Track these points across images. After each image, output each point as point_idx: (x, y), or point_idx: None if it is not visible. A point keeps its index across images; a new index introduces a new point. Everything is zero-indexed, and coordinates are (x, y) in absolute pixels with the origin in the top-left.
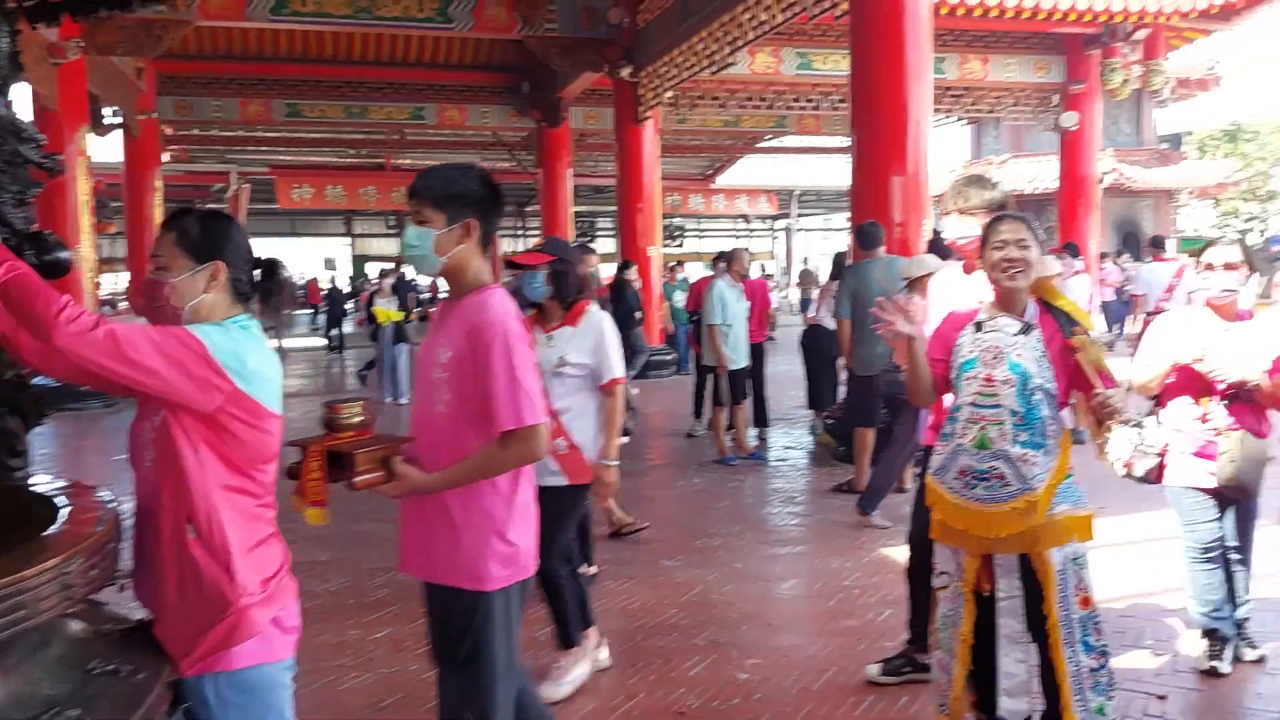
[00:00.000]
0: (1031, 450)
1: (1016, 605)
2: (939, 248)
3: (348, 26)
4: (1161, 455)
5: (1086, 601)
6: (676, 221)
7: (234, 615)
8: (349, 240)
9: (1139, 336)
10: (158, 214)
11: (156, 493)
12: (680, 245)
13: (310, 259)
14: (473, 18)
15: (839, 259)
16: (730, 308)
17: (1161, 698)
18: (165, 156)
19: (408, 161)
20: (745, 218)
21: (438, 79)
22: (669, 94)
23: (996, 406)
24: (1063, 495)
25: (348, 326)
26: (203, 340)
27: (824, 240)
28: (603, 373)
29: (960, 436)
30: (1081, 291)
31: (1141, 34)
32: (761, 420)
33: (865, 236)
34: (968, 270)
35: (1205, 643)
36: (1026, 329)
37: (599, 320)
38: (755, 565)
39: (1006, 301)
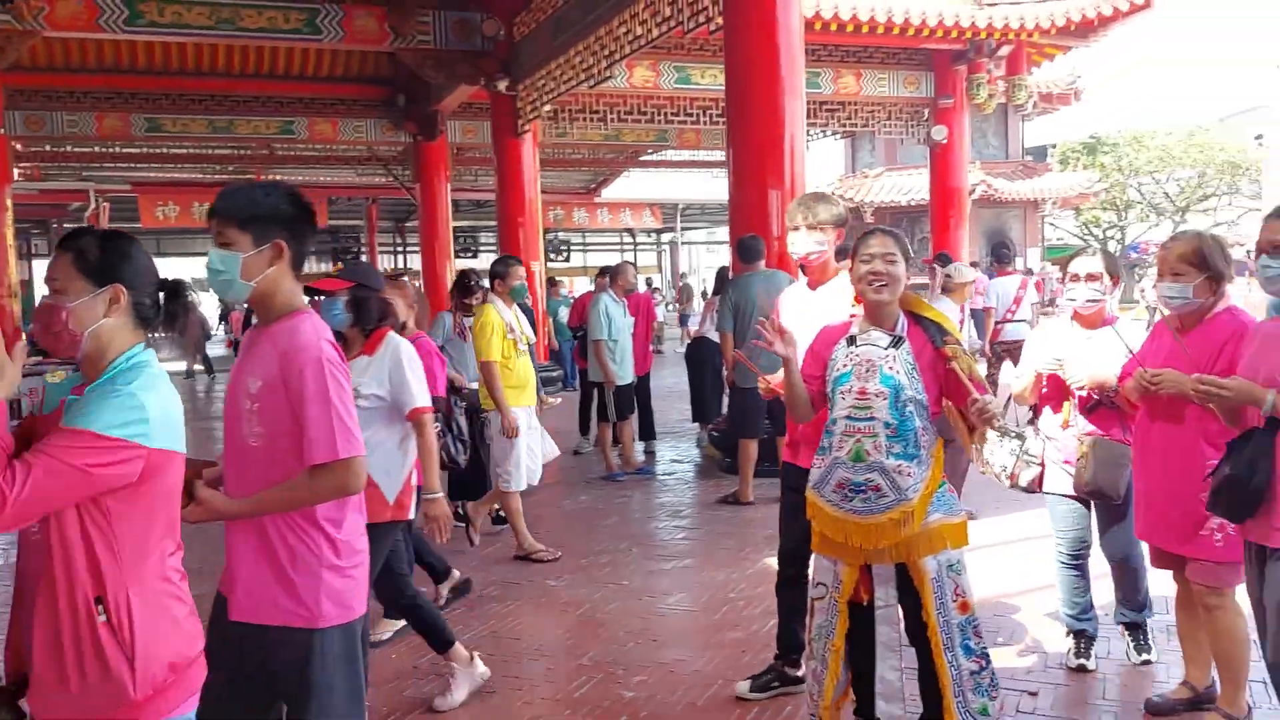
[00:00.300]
0: (905, 461)
1: (892, 614)
2: (751, 252)
3: (209, 38)
4: (1043, 464)
5: (965, 606)
6: (561, 236)
7: (127, 712)
8: None
9: (990, 347)
10: (9, 235)
11: (55, 563)
12: (566, 260)
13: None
14: (342, 29)
15: (722, 273)
16: (615, 323)
17: (1033, 694)
18: (16, 174)
19: (278, 177)
20: (630, 232)
21: (307, 92)
22: (547, 107)
23: (870, 419)
24: (937, 504)
25: (218, 349)
26: (100, 432)
27: (710, 253)
28: (403, 402)
29: (837, 450)
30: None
31: (1005, 50)
32: (648, 434)
33: (746, 250)
34: (813, 285)
35: (1072, 641)
36: (897, 341)
37: (396, 347)
38: (641, 581)
39: (876, 315)
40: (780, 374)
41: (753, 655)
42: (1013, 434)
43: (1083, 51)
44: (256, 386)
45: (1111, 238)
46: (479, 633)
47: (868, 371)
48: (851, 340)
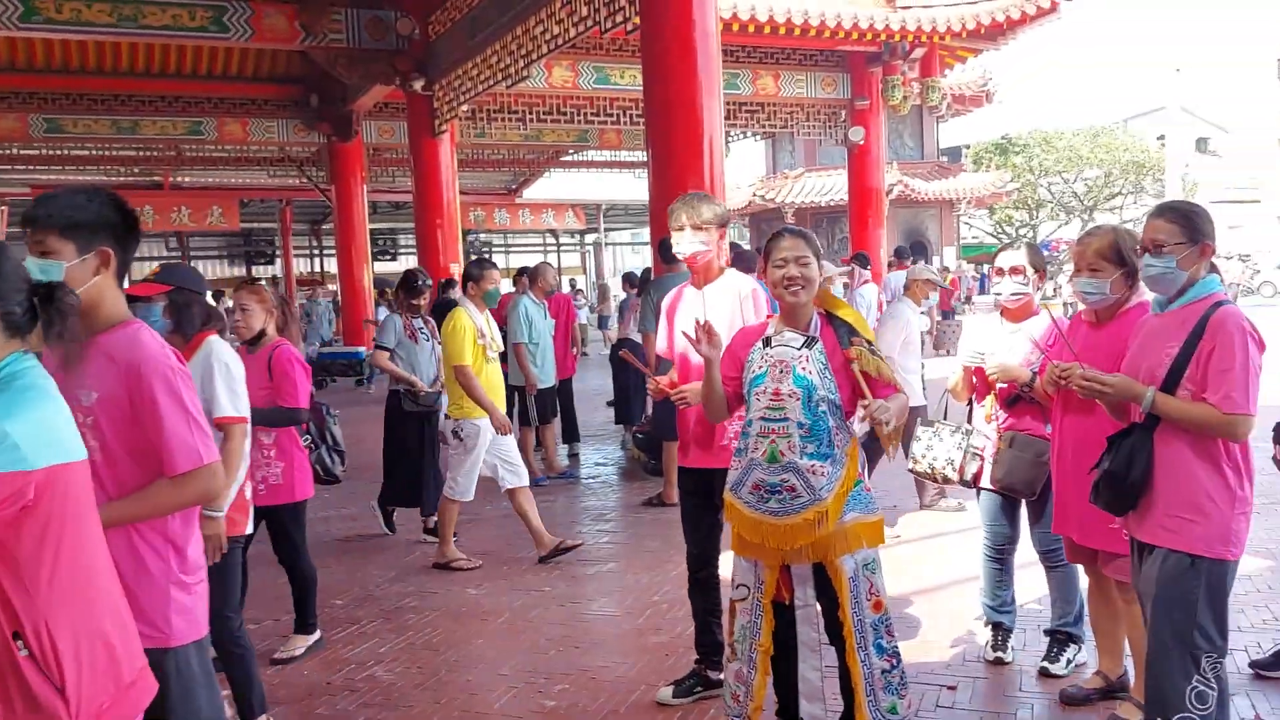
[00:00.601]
0: (819, 461)
1: (812, 613)
2: (666, 254)
3: (111, 36)
4: (982, 459)
5: (879, 605)
6: (483, 237)
7: None
8: None
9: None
10: None
11: None
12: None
13: None
14: (250, 27)
15: (645, 274)
16: (536, 325)
17: (951, 688)
18: None
19: (188, 179)
20: (553, 233)
21: (216, 91)
22: (465, 107)
23: (784, 420)
24: (853, 503)
25: None
26: None
27: (634, 254)
28: (210, 410)
29: (753, 451)
30: (871, 299)
31: (918, 53)
32: (572, 436)
33: (667, 250)
34: (699, 285)
35: (990, 633)
36: (810, 342)
37: (209, 353)
38: (564, 587)
39: (791, 316)
40: (671, 374)
41: (677, 659)
42: (961, 429)
43: (993, 55)
44: (92, 400)
45: (1023, 236)
46: (394, 645)
47: (782, 372)
48: (767, 341)
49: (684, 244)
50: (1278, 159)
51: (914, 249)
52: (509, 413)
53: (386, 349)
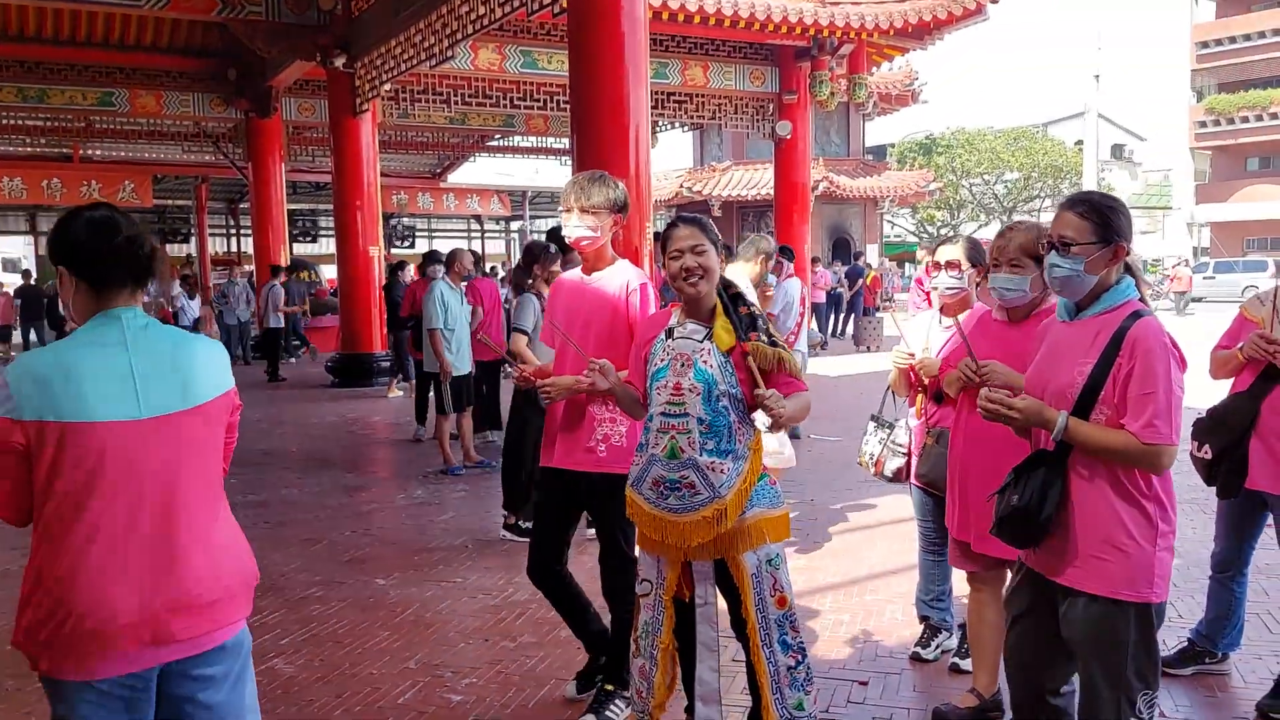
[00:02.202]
0: (718, 458)
1: (711, 612)
2: (558, 241)
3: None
4: (909, 454)
5: (783, 601)
6: (406, 221)
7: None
8: (32, 239)
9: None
10: None
11: None
12: (411, 246)
13: None
14: None
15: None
16: (452, 311)
17: (863, 683)
18: None
19: (99, 152)
20: (478, 219)
21: (129, 62)
22: (387, 86)
23: (684, 415)
24: (756, 498)
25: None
26: None
27: None
28: None
29: (653, 446)
30: (795, 294)
31: (846, 49)
32: (494, 424)
33: (557, 236)
34: (588, 271)
35: (921, 629)
36: (712, 334)
37: None
38: (476, 579)
39: (693, 307)
40: (546, 361)
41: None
42: (884, 423)
43: (920, 55)
44: None
45: (945, 235)
46: (297, 637)
47: (683, 366)
48: (670, 333)
49: (571, 228)
50: (1189, 165)
51: (836, 246)
52: (423, 398)
53: (524, 333)
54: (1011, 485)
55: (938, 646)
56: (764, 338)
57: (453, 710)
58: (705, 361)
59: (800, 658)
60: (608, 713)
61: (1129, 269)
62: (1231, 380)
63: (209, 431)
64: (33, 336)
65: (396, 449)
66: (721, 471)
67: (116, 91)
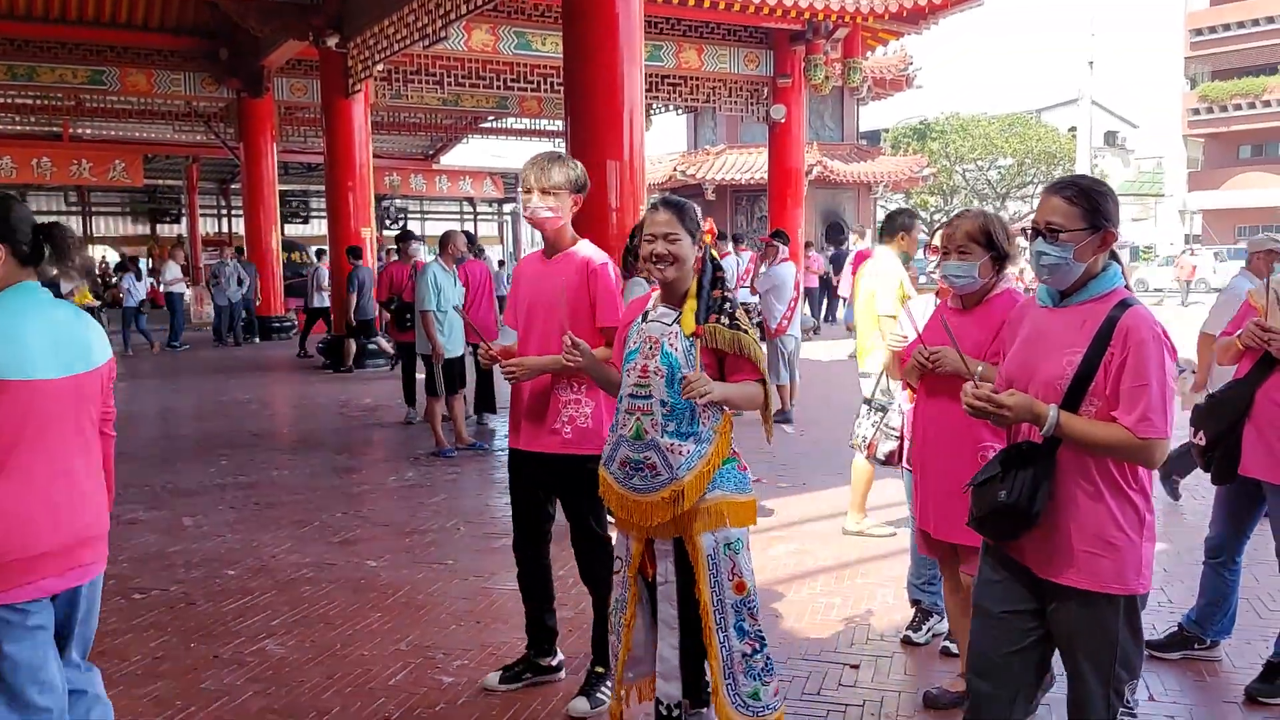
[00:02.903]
0: (679, 440)
1: (672, 590)
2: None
3: None
4: (902, 438)
5: (741, 587)
6: (398, 203)
7: None
8: None
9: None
10: None
11: None
12: (403, 228)
13: None
14: None
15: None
16: (445, 293)
17: (855, 666)
18: None
19: (89, 131)
20: (470, 201)
21: (119, 40)
22: (380, 67)
23: (649, 397)
24: (719, 481)
25: None
26: None
27: None
28: None
29: (622, 427)
30: (789, 277)
31: (841, 33)
32: (488, 407)
33: None
34: (548, 254)
35: (912, 613)
36: (680, 318)
37: None
38: (468, 561)
39: (667, 292)
40: (509, 341)
41: (579, 634)
42: (876, 406)
43: (915, 39)
44: None
45: (938, 221)
46: (288, 618)
47: (651, 349)
48: (645, 316)
49: (530, 208)
50: (1181, 153)
51: (831, 230)
52: (410, 380)
53: None
54: (998, 479)
55: (929, 630)
56: (725, 320)
57: (444, 691)
58: (671, 345)
59: (758, 646)
60: (598, 694)
61: (1114, 255)
62: (1235, 367)
63: (96, 391)
64: None
65: (388, 431)
66: (681, 454)
67: (107, 70)
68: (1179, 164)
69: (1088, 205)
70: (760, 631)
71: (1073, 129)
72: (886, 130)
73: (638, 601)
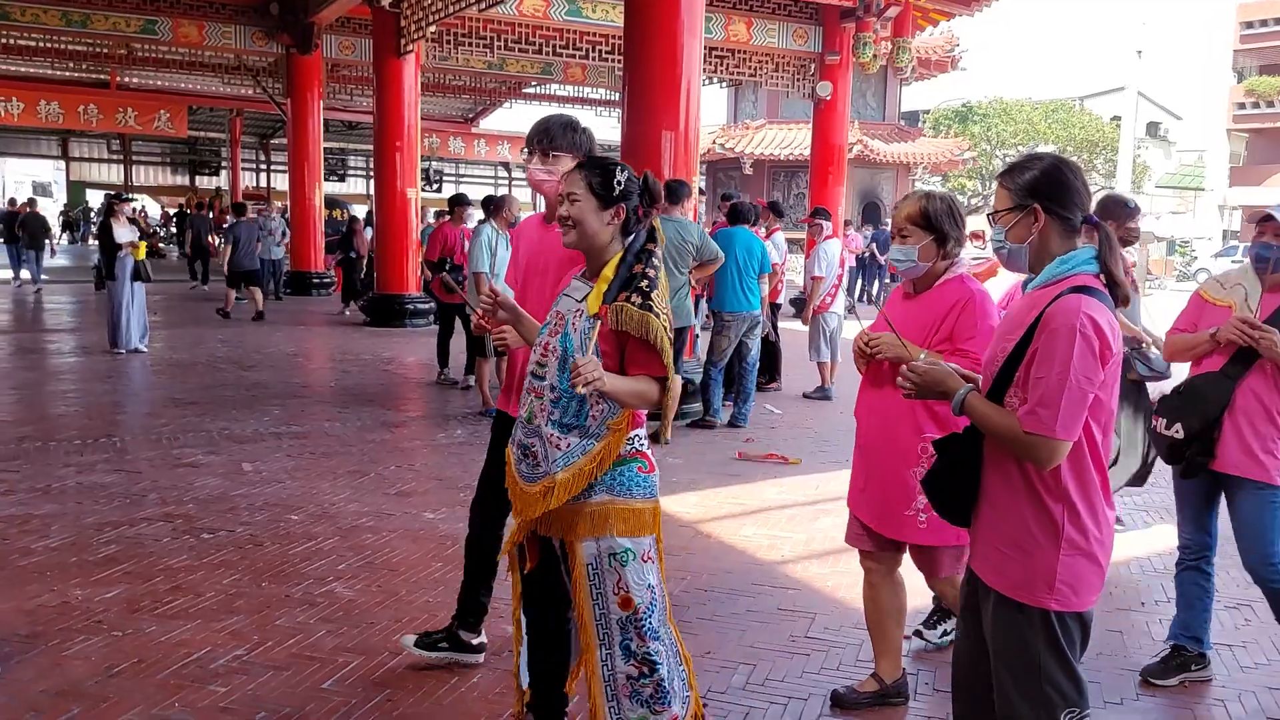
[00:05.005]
0: (559, 432)
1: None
2: (675, 195)
3: None
4: None
5: (627, 603)
6: (436, 165)
7: None
8: (63, 164)
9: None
10: None
11: None
12: (439, 190)
13: (18, 182)
14: None
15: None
16: (499, 256)
17: (906, 637)
18: None
19: (136, 80)
20: (506, 165)
21: None
22: (432, 28)
23: (543, 379)
24: (609, 484)
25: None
26: None
27: None
28: None
29: (520, 406)
30: (834, 254)
31: (893, 11)
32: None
33: (671, 192)
34: (549, 219)
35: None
36: (588, 295)
37: None
38: None
39: (588, 263)
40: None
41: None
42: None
43: (963, 21)
44: None
45: (976, 206)
46: (352, 563)
47: (556, 325)
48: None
49: (530, 171)
50: (1225, 147)
51: (867, 210)
52: (445, 341)
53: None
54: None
55: (943, 634)
56: (636, 299)
57: (507, 640)
58: (574, 325)
59: (646, 670)
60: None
61: (1100, 233)
62: (1189, 364)
63: None
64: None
65: (432, 390)
66: (560, 446)
67: (160, 20)
68: (1221, 158)
69: (1015, 186)
70: (649, 654)
71: (1115, 118)
72: (926, 111)
73: (518, 595)
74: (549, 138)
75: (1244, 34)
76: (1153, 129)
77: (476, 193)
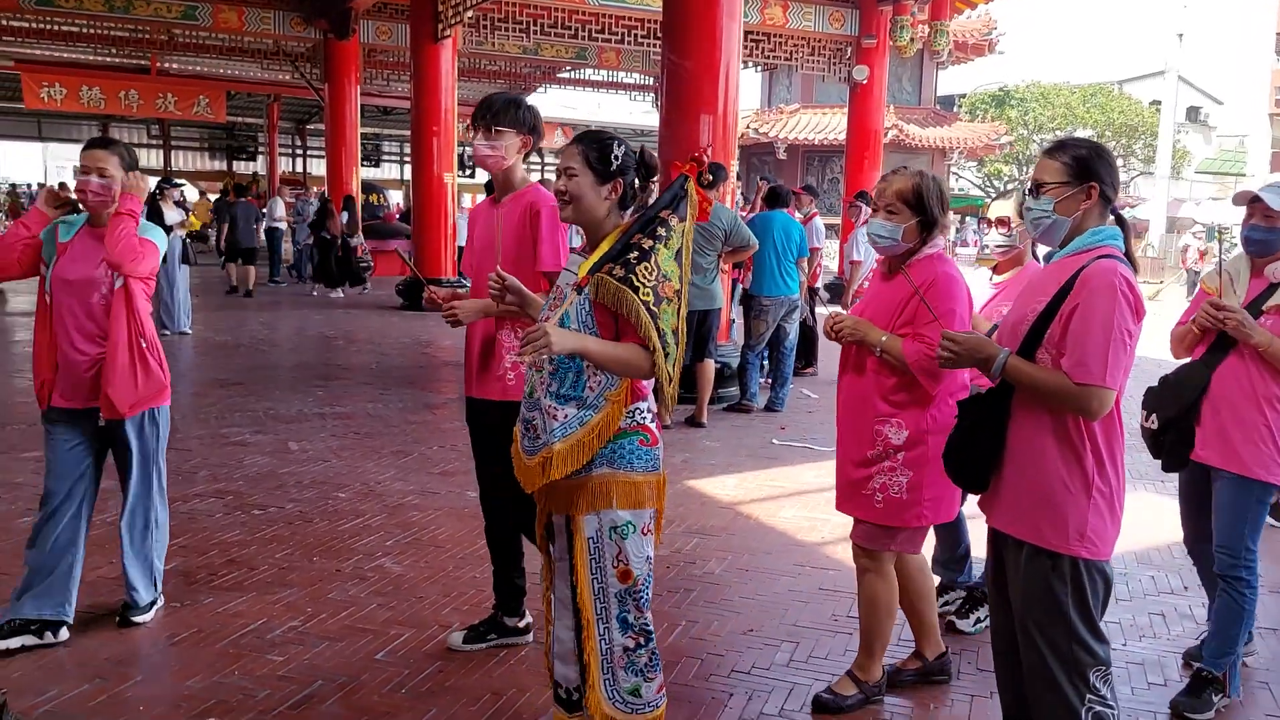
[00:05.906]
0: (558, 403)
1: (565, 569)
2: (779, 199)
3: None
4: None
5: (626, 575)
6: (469, 150)
7: None
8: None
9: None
10: None
11: None
12: (471, 176)
13: (60, 167)
14: None
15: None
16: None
17: (942, 616)
18: None
19: (176, 65)
20: (539, 152)
21: None
22: (470, 13)
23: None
24: (610, 456)
25: None
26: None
27: None
28: None
29: (525, 383)
30: None
31: None
32: None
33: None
34: (498, 196)
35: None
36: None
37: None
38: None
39: (587, 237)
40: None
41: (681, 567)
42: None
43: (1002, 3)
44: None
45: (1012, 191)
46: (400, 540)
47: (556, 299)
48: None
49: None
50: (1267, 133)
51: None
52: None
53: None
54: (957, 425)
55: (977, 621)
56: (618, 271)
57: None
58: (571, 299)
59: (642, 640)
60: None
61: (1121, 223)
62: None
63: None
64: None
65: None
66: (557, 418)
67: (200, 6)
68: (1263, 143)
69: (1071, 161)
70: (646, 625)
71: (1155, 102)
72: (962, 96)
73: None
74: (493, 114)
75: None
76: (1193, 113)
77: None
